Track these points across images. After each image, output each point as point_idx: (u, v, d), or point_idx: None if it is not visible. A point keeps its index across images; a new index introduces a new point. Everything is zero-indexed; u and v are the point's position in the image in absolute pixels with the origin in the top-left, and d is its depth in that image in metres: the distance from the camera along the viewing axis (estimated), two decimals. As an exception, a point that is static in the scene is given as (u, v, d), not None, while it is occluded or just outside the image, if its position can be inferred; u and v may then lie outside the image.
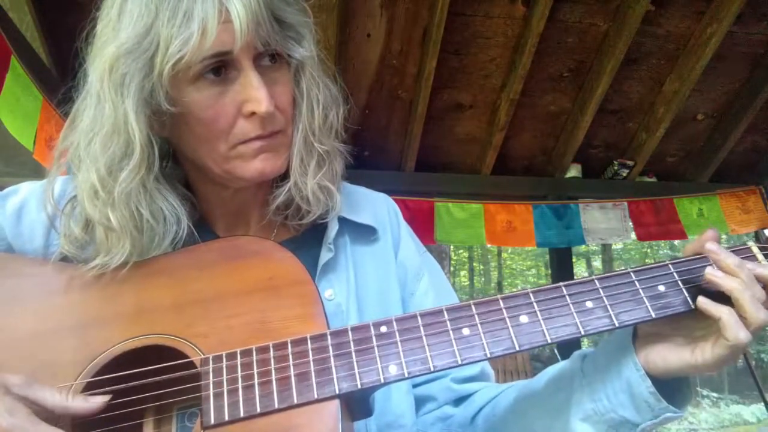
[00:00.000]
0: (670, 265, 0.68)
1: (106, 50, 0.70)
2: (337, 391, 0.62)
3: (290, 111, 0.79)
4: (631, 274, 0.67)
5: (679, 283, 0.67)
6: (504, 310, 0.65)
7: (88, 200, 0.72)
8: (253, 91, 0.71)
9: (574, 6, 3.29)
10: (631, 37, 3.31)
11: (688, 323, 0.67)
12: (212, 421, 0.61)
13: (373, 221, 0.91)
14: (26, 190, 0.84)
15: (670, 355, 0.66)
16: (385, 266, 0.91)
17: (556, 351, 4.16)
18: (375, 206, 0.96)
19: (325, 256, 0.84)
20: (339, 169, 0.87)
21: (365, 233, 0.91)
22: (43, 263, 0.76)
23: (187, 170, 0.85)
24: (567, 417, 0.72)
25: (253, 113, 0.72)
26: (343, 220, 0.88)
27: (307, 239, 0.87)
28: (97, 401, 0.63)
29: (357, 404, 0.66)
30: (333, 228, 0.86)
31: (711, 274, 0.64)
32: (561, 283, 0.67)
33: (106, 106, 0.70)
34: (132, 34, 0.69)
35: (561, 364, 0.78)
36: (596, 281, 0.67)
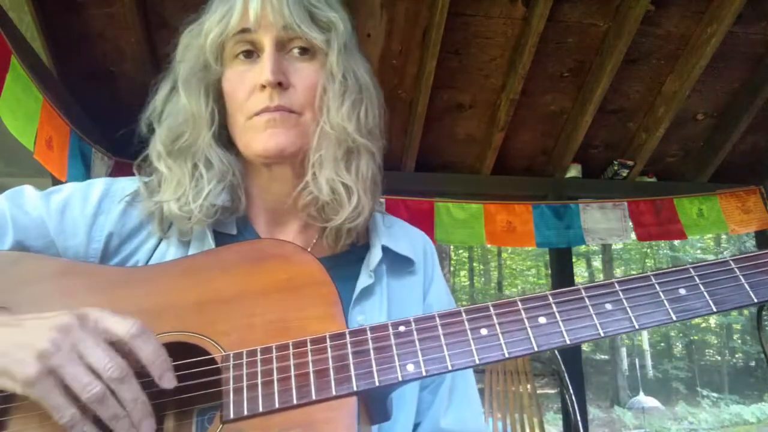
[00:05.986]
0: (691, 269, 0.68)
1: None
2: (355, 389, 0.62)
3: (312, 97, 0.83)
4: (651, 277, 0.67)
5: (701, 286, 0.66)
6: (522, 311, 0.66)
7: (155, 156, 0.85)
8: (263, 64, 0.81)
9: (574, 6, 3.29)
10: (631, 37, 3.31)
11: None
12: (231, 415, 0.62)
13: (412, 254, 0.91)
14: (70, 188, 0.87)
15: None
16: (415, 303, 0.91)
17: (556, 352, 4.16)
18: (412, 240, 0.96)
19: (364, 281, 0.84)
20: (367, 170, 0.85)
21: (403, 264, 0.91)
22: (67, 264, 0.77)
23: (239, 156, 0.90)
24: None
25: (263, 86, 0.80)
26: (385, 249, 0.88)
27: (344, 260, 0.88)
28: (157, 344, 0.62)
29: (375, 406, 0.67)
30: (376, 255, 0.86)
31: None
32: (580, 286, 0.67)
33: (170, 77, 0.88)
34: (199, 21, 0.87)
35: None
36: (616, 284, 0.67)
